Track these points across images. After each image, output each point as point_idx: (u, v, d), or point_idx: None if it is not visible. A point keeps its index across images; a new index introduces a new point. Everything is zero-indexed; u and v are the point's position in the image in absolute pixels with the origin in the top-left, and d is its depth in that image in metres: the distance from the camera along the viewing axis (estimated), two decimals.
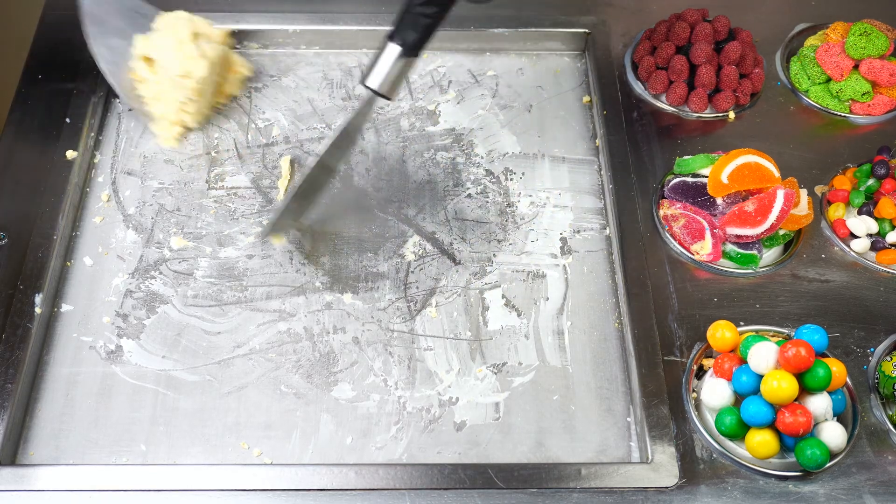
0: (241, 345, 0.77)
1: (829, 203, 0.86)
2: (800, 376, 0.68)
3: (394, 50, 0.70)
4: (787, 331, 0.78)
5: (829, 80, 0.95)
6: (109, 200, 0.86)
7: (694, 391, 0.74)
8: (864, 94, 0.93)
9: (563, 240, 0.85)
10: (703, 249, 0.81)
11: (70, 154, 0.86)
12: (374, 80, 0.71)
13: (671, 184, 0.86)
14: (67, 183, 0.84)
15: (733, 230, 0.81)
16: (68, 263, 0.82)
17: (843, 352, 0.77)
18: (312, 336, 0.78)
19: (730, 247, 0.82)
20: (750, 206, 0.80)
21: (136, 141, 0.91)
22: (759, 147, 0.87)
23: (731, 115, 0.94)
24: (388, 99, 0.73)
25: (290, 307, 0.80)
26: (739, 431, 0.69)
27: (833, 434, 0.69)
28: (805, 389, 0.68)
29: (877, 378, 0.75)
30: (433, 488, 0.68)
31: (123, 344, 0.77)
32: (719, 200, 0.83)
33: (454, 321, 0.79)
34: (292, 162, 0.89)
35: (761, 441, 0.68)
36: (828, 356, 0.73)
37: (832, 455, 0.69)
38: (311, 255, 0.83)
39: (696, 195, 0.84)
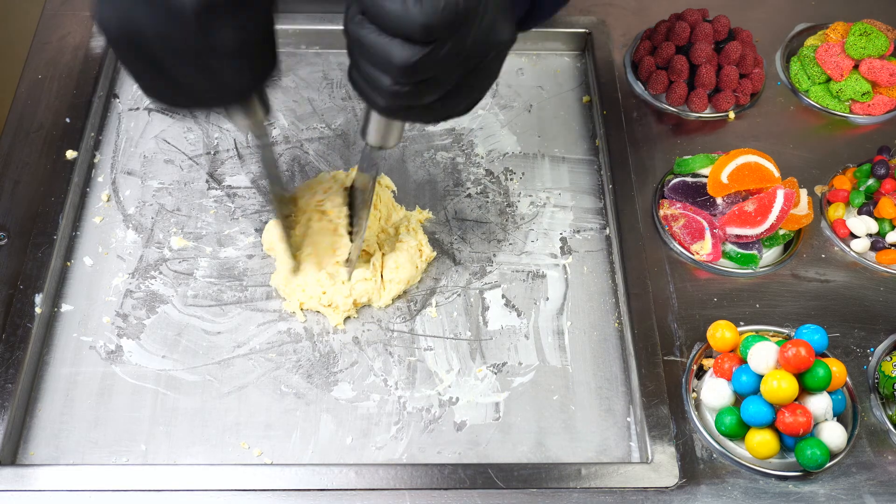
0: (241, 345, 0.77)
1: (829, 203, 0.87)
2: (800, 376, 0.68)
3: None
4: (787, 331, 0.78)
5: (829, 80, 0.95)
6: (109, 200, 0.86)
7: (694, 391, 0.74)
8: (864, 94, 0.93)
9: (563, 240, 0.85)
10: (703, 249, 0.81)
11: (70, 154, 0.86)
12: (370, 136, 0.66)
13: (671, 184, 0.86)
14: (67, 183, 0.84)
15: (733, 230, 0.81)
16: (68, 263, 0.82)
17: (843, 352, 0.77)
18: (312, 336, 0.78)
19: (730, 247, 0.82)
20: (750, 206, 0.80)
21: (136, 141, 0.91)
22: (759, 147, 0.87)
23: (731, 115, 0.94)
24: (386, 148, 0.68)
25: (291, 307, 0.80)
26: (739, 431, 0.69)
27: (833, 434, 0.69)
28: (805, 389, 0.68)
29: (877, 378, 0.75)
30: (433, 488, 0.68)
31: (123, 344, 0.77)
32: (719, 200, 0.83)
33: (454, 321, 0.79)
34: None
35: (761, 441, 0.68)
36: (828, 356, 0.73)
37: (832, 455, 0.69)
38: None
39: (696, 195, 0.84)
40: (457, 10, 0.50)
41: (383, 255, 0.80)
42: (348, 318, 0.79)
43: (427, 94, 0.56)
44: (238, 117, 0.63)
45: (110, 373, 0.75)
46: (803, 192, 0.84)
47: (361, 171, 0.73)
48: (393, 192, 0.87)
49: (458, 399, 0.75)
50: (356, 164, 0.87)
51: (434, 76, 0.54)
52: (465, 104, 0.61)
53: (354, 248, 0.77)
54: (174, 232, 0.84)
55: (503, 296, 0.81)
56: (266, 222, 0.85)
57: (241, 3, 0.53)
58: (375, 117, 0.63)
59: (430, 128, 0.93)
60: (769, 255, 0.83)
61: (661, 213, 0.85)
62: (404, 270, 0.79)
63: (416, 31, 0.50)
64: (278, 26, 0.59)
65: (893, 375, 0.74)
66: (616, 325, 0.80)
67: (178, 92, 0.58)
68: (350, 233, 0.78)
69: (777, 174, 0.82)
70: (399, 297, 0.80)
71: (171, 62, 0.54)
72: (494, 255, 0.84)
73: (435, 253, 0.83)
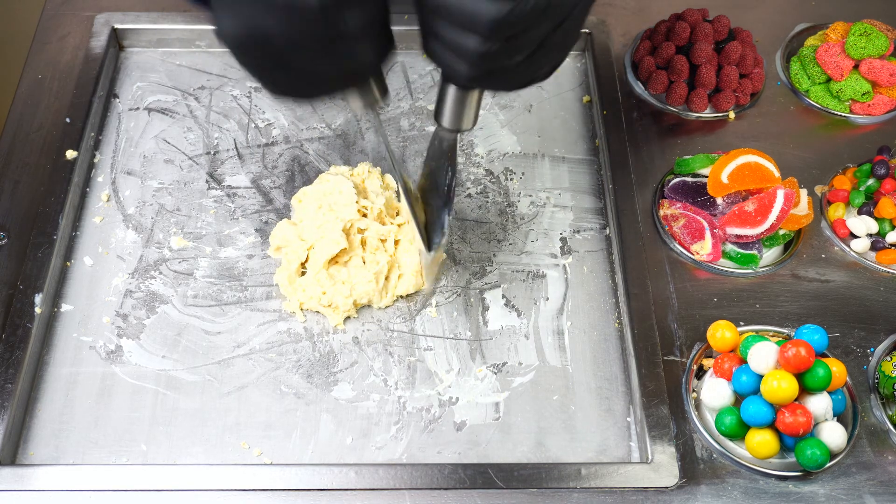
0: (241, 345, 0.77)
1: (829, 203, 0.87)
2: (800, 376, 0.68)
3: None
4: (787, 331, 0.78)
5: (829, 80, 0.95)
6: (109, 200, 0.86)
7: (694, 391, 0.74)
8: (864, 94, 0.93)
9: (563, 240, 0.85)
10: (703, 249, 0.81)
11: (70, 154, 0.86)
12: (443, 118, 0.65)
13: (671, 184, 0.86)
14: (67, 183, 0.84)
15: (733, 230, 0.81)
16: (68, 263, 0.82)
17: (843, 352, 0.77)
18: (312, 336, 0.78)
19: (730, 247, 0.82)
20: (750, 206, 0.80)
21: (136, 141, 0.91)
22: (759, 147, 0.87)
23: (732, 115, 0.94)
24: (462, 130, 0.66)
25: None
26: (739, 431, 0.69)
27: (833, 434, 0.69)
28: (805, 389, 0.68)
29: (877, 378, 0.75)
30: (433, 488, 0.68)
31: (123, 344, 0.77)
32: (719, 200, 0.83)
33: (454, 321, 0.79)
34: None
35: (761, 441, 0.68)
36: (828, 356, 0.73)
37: (832, 455, 0.69)
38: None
39: (696, 195, 0.84)
40: None
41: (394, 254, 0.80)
42: (348, 318, 0.79)
43: (515, 53, 0.55)
44: (356, 100, 0.63)
45: (110, 373, 0.75)
46: (803, 192, 0.84)
47: (436, 165, 0.71)
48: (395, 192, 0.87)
49: (458, 399, 0.75)
50: (357, 163, 0.87)
51: (522, 31, 0.53)
52: (549, 65, 0.60)
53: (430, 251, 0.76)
54: (174, 232, 0.84)
55: (503, 296, 0.81)
56: (266, 222, 0.85)
57: None
58: (452, 93, 0.62)
59: (431, 128, 0.93)
60: (769, 255, 0.83)
61: (661, 213, 0.85)
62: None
63: None
64: None
65: (893, 375, 0.74)
66: (616, 325, 0.80)
67: (303, 84, 0.59)
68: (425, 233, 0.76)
69: (777, 174, 0.82)
70: (400, 297, 0.80)
71: (298, 57, 0.55)
72: (494, 255, 0.84)
73: (445, 255, 0.83)
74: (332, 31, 0.53)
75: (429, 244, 0.75)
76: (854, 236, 0.84)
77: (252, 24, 0.53)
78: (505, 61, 0.55)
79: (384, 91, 0.64)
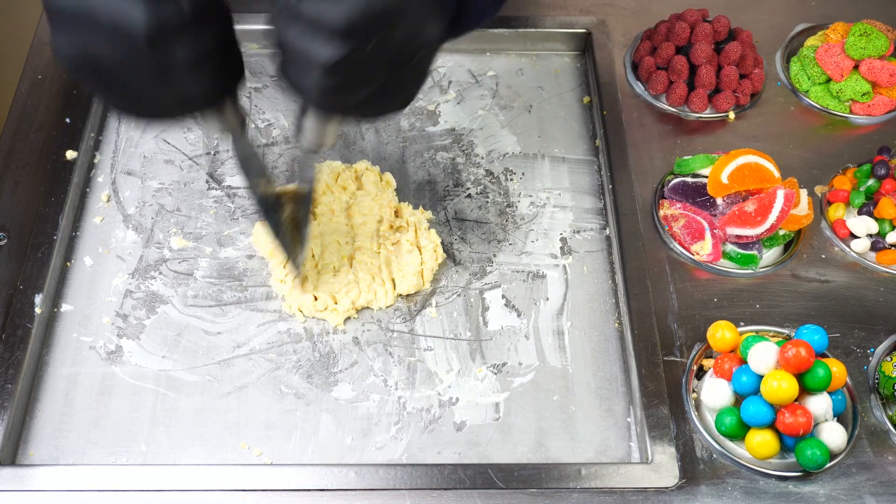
0: (241, 345, 0.77)
1: (829, 203, 0.87)
2: (800, 376, 0.68)
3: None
4: (787, 331, 0.78)
5: (829, 80, 0.95)
6: (109, 200, 0.86)
7: (694, 391, 0.74)
8: (864, 94, 0.93)
9: (563, 240, 0.85)
10: (703, 249, 0.81)
11: (70, 154, 0.86)
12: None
13: (671, 184, 0.86)
14: (67, 183, 0.84)
15: (733, 230, 0.81)
16: (68, 263, 0.82)
17: (843, 352, 0.77)
18: (312, 336, 0.78)
19: (730, 247, 0.82)
20: (750, 206, 0.80)
21: (136, 141, 0.91)
22: (759, 147, 0.87)
23: (731, 115, 0.94)
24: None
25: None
26: (739, 432, 0.69)
27: (833, 434, 0.69)
28: (805, 390, 0.68)
29: (877, 378, 0.75)
30: (433, 488, 0.68)
31: (123, 344, 0.77)
32: (719, 200, 0.83)
33: (454, 321, 0.79)
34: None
35: (761, 441, 0.68)
36: (828, 356, 0.73)
37: (832, 455, 0.69)
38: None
39: (696, 195, 0.84)
40: (381, 9, 0.50)
41: (392, 254, 0.80)
42: (348, 318, 0.79)
43: (354, 93, 0.55)
44: (210, 125, 0.63)
45: (110, 373, 0.75)
46: (803, 193, 0.84)
47: (300, 181, 0.72)
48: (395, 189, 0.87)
49: (458, 399, 0.75)
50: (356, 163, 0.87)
51: (360, 75, 0.53)
52: (396, 102, 0.60)
53: (296, 267, 0.76)
54: (174, 232, 0.84)
55: (503, 296, 0.81)
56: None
57: (194, 21, 0.52)
58: (309, 116, 0.62)
59: (431, 128, 0.93)
60: (769, 255, 0.83)
61: (661, 213, 0.85)
62: (429, 271, 0.80)
63: (337, 28, 0.50)
64: None
65: (893, 376, 0.74)
66: (616, 325, 0.80)
67: (142, 108, 0.59)
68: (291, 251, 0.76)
69: (777, 174, 0.82)
70: (399, 297, 0.80)
71: (132, 83, 0.55)
72: (494, 256, 0.84)
73: (445, 255, 0.83)
74: (161, 62, 0.52)
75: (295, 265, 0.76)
76: (854, 236, 0.84)
77: (84, 49, 0.53)
78: (345, 98, 0.56)
79: (240, 119, 0.64)
